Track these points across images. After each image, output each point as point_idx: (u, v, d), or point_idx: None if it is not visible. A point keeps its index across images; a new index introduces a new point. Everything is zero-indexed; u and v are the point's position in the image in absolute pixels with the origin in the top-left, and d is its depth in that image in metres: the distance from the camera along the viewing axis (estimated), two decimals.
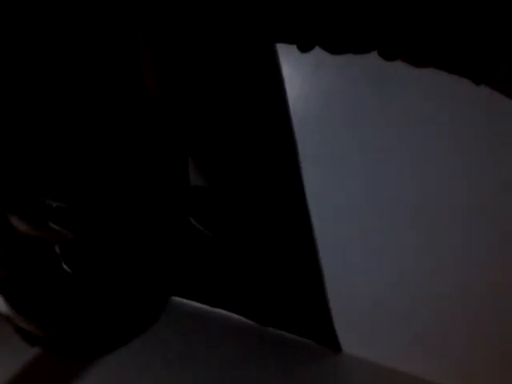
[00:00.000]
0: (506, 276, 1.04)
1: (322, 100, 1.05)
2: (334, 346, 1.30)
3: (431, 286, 1.13)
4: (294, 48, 0.48)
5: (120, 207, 0.43)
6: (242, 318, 1.37)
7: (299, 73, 1.05)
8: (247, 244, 1.26)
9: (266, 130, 1.13)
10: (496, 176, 0.94)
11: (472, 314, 1.11)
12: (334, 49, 0.43)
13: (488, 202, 0.98)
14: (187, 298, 1.38)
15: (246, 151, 1.12)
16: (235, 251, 1.28)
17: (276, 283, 1.30)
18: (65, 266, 0.42)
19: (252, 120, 1.10)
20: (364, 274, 1.20)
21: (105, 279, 0.44)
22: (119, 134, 0.45)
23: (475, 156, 0.93)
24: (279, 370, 1.26)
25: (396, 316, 1.20)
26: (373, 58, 0.44)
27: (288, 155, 1.15)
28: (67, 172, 0.40)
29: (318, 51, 0.46)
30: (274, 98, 1.08)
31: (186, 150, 0.60)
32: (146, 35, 0.57)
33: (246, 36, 0.46)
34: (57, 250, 0.42)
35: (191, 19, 0.51)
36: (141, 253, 0.46)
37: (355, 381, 1.28)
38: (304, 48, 0.45)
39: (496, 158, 0.90)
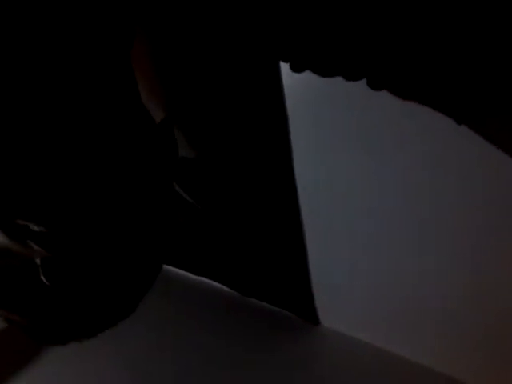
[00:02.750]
0: (485, 259, 1.06)
1: (318, 89, 1.04)
2: (312, 318, 1.33)
3: (410, 264, 1.16)
4: None
5: (102, 234, 0.44)
6: (225, 288, 1.40)
7: None
8: (233, 215, 1.28)
9: (258, 108, 1.13)
10: (486, 175, 0.94)
11: (449, 293, 1.13)
12: (324, 73, 0.44)
13: (477, 201, 0.99)
14: (171, 265, 1.41)
15: (236, 125, 1.12)
16: (221, 222, 1.29)
17: (259, 255, 1.32)
18: (43, 279, 0.44)
19: (245, 97, 1.09)
20: (346, 250, 1.22)
21: (83, 291, 0.46)
22: (106, 157, 0.45)
23: (470, 154, 0.93)
24: (258, 340, 1.29)
25: (375, 292, 1.23)
26: None
27: (279, 131, 1.16)
28: (52, 200, 0.41)
29: None
30: (269, 82, 1.08)
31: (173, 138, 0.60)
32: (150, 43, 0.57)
33: (244, 48, 0.46)
34: (37, 262, 0.44)
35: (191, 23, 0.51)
36: (122, 263, 0.47)
37: (332, 353, 1.31)
38: (295, 69, 0.45)
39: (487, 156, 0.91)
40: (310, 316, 1.33)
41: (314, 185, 1.20)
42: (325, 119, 1.11)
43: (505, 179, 0.82)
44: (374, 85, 0.43)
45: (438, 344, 1.19)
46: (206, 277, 1.41)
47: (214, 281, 1.41)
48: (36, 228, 0.41)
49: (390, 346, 1.25)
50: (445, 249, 1.10)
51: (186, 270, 1.42)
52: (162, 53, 0.64)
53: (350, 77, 0.43)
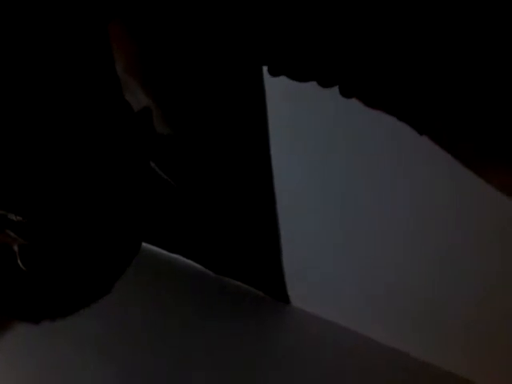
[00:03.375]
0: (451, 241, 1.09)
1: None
2: (282, 298, 1.36)
3: (381, 247, 1.18)
4: None
5: (78, 220, 0.46)
6: (198, 265, 1.42)
7: None
8: (208, 193, 1.29)
9: (237, 84, 1.14)
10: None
11: (421, 276, 1.16)
12: (298, 78, 0.46)
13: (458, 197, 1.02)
14: (145, 242, 1.42)
15: (215, 104, 1.13)
16: (196, 200, 1.30)
17: (232, 234, 1.33)
18: (20, 264, 0.45)
19: (224, 74, 1.10)
20: (318, 230, 1.24)
21: (58, 275, 0.48)
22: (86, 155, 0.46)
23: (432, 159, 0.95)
24: (228, 318, 1.32)
25: (346, 273, 1.25)
26: None
27: (257, 113, 1.17)
28: (30, 191, 0.43)
29: None
30: (250, 67, 1.08)
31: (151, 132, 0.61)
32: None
33: (224, 49, 0.48)
34: (15, 248, 0.45)
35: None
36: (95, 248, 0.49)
37: (300, 332, 1.34)
38: (272, 73, 0.47)
39: None
40: (280, 295, 1.36)
41: (289, 164, 1.21)
42: (304, 102, 1.12)
43: (463, 187, 0.85)
44: (345, 92, 0.45)
45: (411, 326, 1.22)
46: (179, 254, 1.43)
47: (188, 258, 1.43)
48: (14, 218, 0.43)
49: (358, 327, 1.28)
50: (420, 233, 1.12)
51: (159, 247, 1.44)
52: (141, 34, 0.65)
53: (324, 83, 0.45)
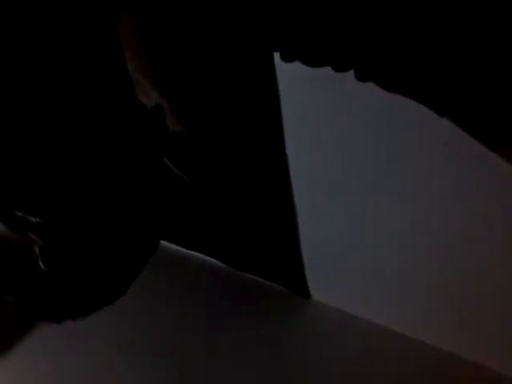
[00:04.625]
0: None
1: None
2: (303, 292, 1.35)
3: (401, 239, 1.17)
4: None
5: (95, 222, 0.46)
6: (216, 261, 1.42)
7: None
8: (224, 189, 1.29)
9: (248, 80, 1.13)
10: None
11: (445, 267, 1.15)
12: (312, 64, 0.45)
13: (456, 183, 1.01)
14: (162, 239, 1.42)
15: (226, 97, 1.13)
16: (212, 196, 1.30)
17: (251, 229, 1.33)
18: (41, 265, 0.46)
19: (235, 69, 1.09)
20: (337, 223, 1.24)
21: (78, 275, 0.48)
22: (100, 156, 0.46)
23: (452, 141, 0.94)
24: (249, 314, 1.32)
25: (368, 266, 1.24)
26: None
27: (270, 107, 1.16)
28: (47, 193, 0.43)
29: None
30: (260, 57, 1.08)
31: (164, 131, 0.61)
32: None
33: (234, 37, 0.47)
34: (36, 250, 0.46)
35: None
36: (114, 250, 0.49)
37: (322, 326, 1.34)
38: (285, 59, 0.47)
39: None
40: (301, 290, 1.35)
41: (306, 158, 1.21)
42: (316, 92, 1.11)
43: (487, 172, 0.83)
44: (361, 76, 0.44)
45: (433, 318, 1.20)
46: (198, 251, 1.43)
47: (206, 255, 1.42)
48: (33, 219, 0.43)
49: (381, 320, 1.28)
50: (440, 221, 1.11)
51: (177, 244, 1.44)
52: (150, 31, 0.64)
53: (338, 68, 0.45)
